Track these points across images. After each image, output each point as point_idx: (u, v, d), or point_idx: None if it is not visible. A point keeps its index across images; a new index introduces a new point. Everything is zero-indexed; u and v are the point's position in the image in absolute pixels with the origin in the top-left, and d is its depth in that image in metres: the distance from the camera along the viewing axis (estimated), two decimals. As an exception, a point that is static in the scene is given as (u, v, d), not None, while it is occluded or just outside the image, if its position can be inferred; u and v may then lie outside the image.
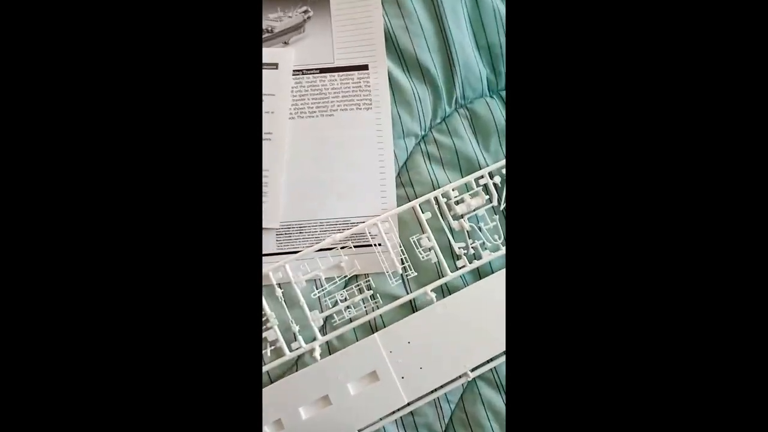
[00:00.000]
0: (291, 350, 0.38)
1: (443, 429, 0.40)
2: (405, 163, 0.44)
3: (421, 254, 0.40)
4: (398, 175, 0.43)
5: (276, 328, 0.38)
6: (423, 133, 0.44)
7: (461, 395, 0.40)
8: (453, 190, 0.42)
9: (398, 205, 0.42)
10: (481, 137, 0.45)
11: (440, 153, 0.44)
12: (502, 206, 0.43)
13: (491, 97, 0.46)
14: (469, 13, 0.45)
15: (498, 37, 0.46)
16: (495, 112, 0.45)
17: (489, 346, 0.38)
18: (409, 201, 0.42)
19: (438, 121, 0.45)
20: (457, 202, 0.42)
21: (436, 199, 0.42)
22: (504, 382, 0.40)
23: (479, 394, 0.40)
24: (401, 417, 0.39)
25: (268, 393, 0.37)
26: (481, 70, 0.45)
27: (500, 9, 0.46)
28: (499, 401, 0.40)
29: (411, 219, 0.42)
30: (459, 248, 0.41)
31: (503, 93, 0.46)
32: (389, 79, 0.44)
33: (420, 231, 0.41)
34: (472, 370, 0.38)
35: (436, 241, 0.40)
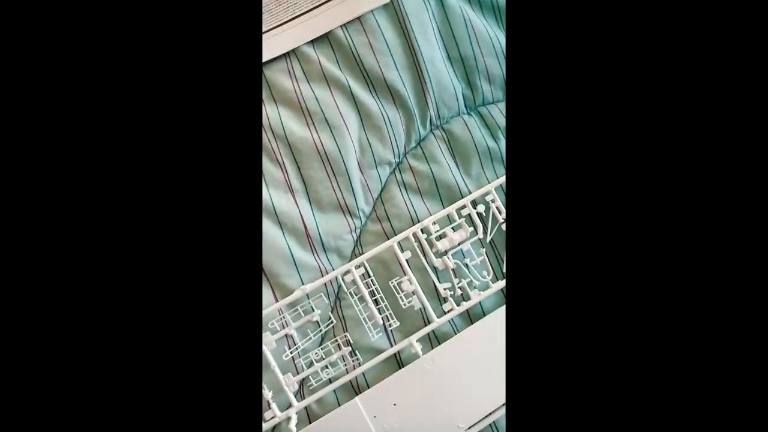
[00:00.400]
0: (265, 420, 0.34)
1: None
2: (380, 195, 0.40)
3: (402, 300, 0.36)
4: (373, 209, 0.39)
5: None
6: (397, 160, 0.40)
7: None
8: (433, 224, 0.38)
9: (374, 244, 0.38)
10: (460, 161, 0.41)
11: (417, 182, 0.40)
12: (489, 238, 0.39)
13: (469, 114, 0.42)
14: (438, 25, 0.42)
15: (471, 48, 0.42)
16: (474, 131, 0.41)
17: (486, 400, 0.34)
18: (387, 238, 0.38)
19: (413, 145, 0.41)
20: (438, 238, 0.38)
21: (415, 235, 0.38)
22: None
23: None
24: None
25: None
26: (456, 85, 0.42)
27: (471, 18, 0.42)
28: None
29: (390, 259, 0.38)
30: (444, 289, 0.37)
31: (482, 109, 0.43)
32: (355, 102, 0.39)
33: (401, 273, 0.37)
34: (468, 429, 0.34)
35: (418, 284, 0.36)
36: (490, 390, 0.34)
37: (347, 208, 0.38)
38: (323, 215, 0.37)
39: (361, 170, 0.39)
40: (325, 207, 0.38)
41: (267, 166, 0.38)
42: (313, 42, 0.40)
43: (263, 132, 0.38)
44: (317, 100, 0.39)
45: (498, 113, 0.43)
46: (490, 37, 0.42)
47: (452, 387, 0.34)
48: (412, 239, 0.37)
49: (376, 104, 0.40)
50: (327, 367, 0.35)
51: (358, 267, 0.36)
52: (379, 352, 0.36)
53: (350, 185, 0.38)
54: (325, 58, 0.40)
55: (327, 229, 0.37)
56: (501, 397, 0.34)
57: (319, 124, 0.39)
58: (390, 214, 0.39)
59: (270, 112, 0.39)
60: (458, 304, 0.37)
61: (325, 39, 0.40)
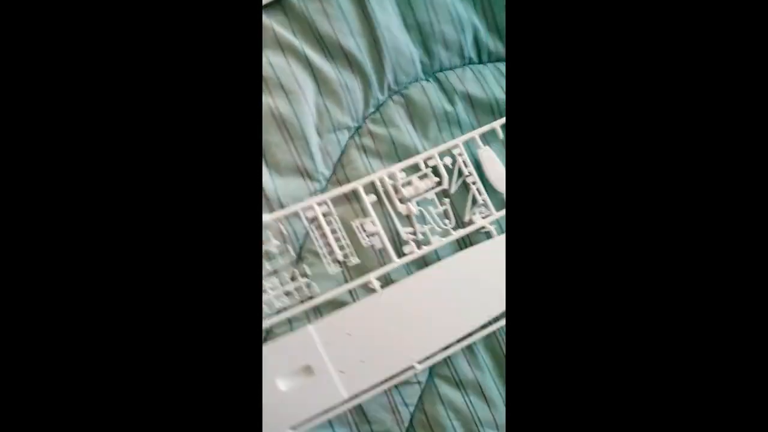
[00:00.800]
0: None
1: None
2: (339, 158, 0.41)
3: (364, 239, 0.38)
4: (333, 173, 0.40)
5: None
6: (356, 125, 0.41)
7: (420, 396, 0.38)
8: (400, 171, 0.39)
9: (335, 207, 0.39)
10: (419, 124, 0.42)
11: (376, 145, 0.41)
12: (453, 189, 0.41)
13: (427, 80, 0.43)
14: (393, -9, 0.42)
15: (428, 14, 0.43)
16: (431, 96, 0.42)
17: (437, 337, 0.36)
18: (348, 200, 0.39)
19: (371, 110, 0.42)
20: (404, 185, 0.39)
21: (381, 181, 0.39)
22: (461, 379, 0.39)
23: (438, 394, 0.38)
24: (357, 426, 0.37)
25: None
26: (413, 51, 0.42)
27: (427, -18, 0.43)
28: (459, 399, 0.39)
29: (354, 206, 0.39)
30: (406, 233, 0.39)
31: (439, 75, 0.44)
32: (311, 68, 0.40)
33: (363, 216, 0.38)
34: (421, 362, 0.36)
35: (381, 227, 0.38)
36: (440, 328, 0.36)
37: (306, 171, 0.39)
38: (281, 179, 0.38)
39: (319, 134, 0.40)
40: (282, 171, 0.39)
41: (226, 132, 0.39)
42: (266, 7, 0.40)
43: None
44: (272, 66, 0.39)
45: (455, 78, 0.44)
46: (447, 3, 0.43)
47: (404, 323, 0.36)
48: (378, 184, 0.39)
49: (332, 70, 0.40)
50: (281, 296, 0.36)
51: (320, 204, 0.37)
52: (335, 286, 0.37)
53: (308, 149, 0.39)
54: (279, 25, 0.40)
55: (286, 192, 0.38)
56: (450, 335, 0.36)
57: (274, 89, 0.39)
58: (350, 176, 0.40)
59: (227, 79, 0.39)
60: (418, 248, 0.38)
61: (277, 5, 0.40)
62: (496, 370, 0.40)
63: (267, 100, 0.39)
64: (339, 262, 0.37)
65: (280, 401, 0.34)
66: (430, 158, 0.40)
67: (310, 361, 0.34)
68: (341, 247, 0.37)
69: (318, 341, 0.35)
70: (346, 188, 0.38)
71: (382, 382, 0.36)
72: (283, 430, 0.34)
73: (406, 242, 0.39)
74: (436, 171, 0.40)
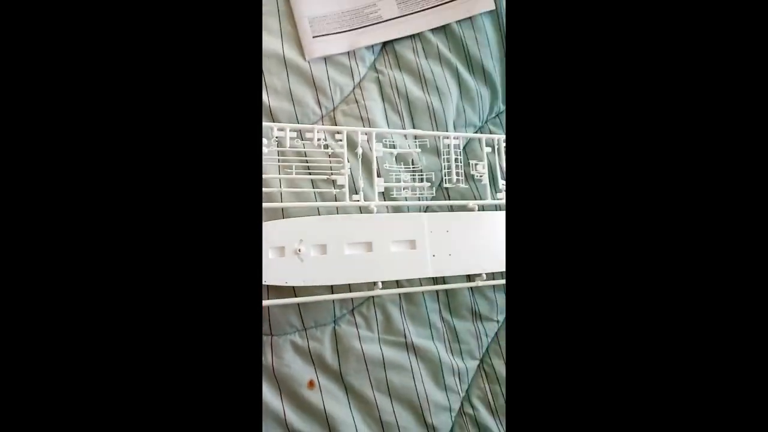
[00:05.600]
0: (351, 200, 0.46)
1: (480, 356, 0.51)
2: (464, 147, 0.54)
3: (476, 173, 0.51)
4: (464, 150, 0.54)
5: (347, 175, 0.46)
6: (480, 124, 0.55)
7: (496, 332, 0.51)
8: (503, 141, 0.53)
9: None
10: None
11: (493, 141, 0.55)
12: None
13: (536, 100, 0.57)
14: (525, 31, 0.56)
15: (546, 52, 0.56)
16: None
17: (502, 262, 0.47)
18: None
19: (492, 115, 0.56)
20: None
21: (500, 141, 0.52)
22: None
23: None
24: (449, 345, 0.50)
25: (325, 222, 0.44)
26: (530, 77, 0.56)
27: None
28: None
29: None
30: (502, 184, 0.52)
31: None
32: (458, 78, 0.54)
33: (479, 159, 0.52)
34: (486, 276, 0.48)
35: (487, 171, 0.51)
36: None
37: (439, 151, 0.53)
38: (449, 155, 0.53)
39: (455, 127, 0.54)
40: (428, 151, 0.53)
41: (390, 115, 0.53)
42: (433, 30, 0.54)
43: (390, 88, 0.53)
44: (432, 73, 0.54)
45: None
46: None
47: (486, 241, 0.48)
48: (491, 143, 0.52)
49: (473, 82, 0.54)
50: (407, 189, 0.48)
51: (455, 138, 0.51)
52: (449, 199, 0.51)
53: (460, 152, 0.53)
54: (441, 44, 0.54)
55: (427, 164, 0.52)
56: None
57: (431, 89, 0.53)
58: (469, 154, 0.54)
59: (397, 76, 0.53)
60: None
61: (442, 29, 0.55)
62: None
63: (425, 96, 0.53)
64: (453, 183, 0.50)
65: (388, 259, 0.44)
66: None
67: (416, 238, 0.45)
68: (458, 174, 0.50)
69: (426, 226, 0.46)
70: (474, 135, 0.53)
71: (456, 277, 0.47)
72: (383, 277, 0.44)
73: (500, 190, 0.52)
74: None
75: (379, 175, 0.49)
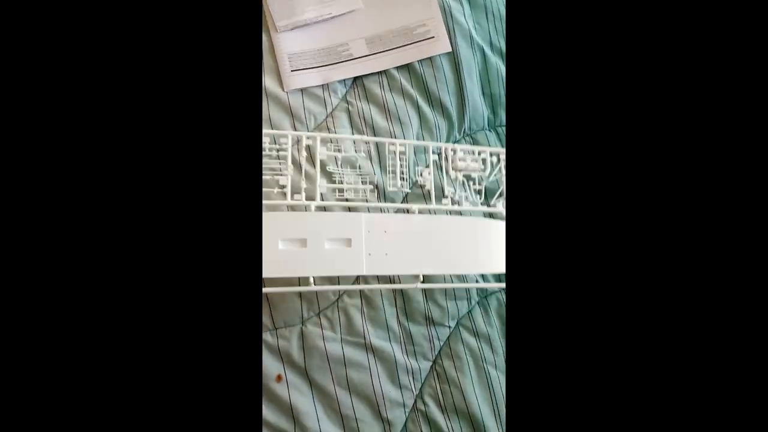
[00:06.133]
0: (293, 198, 0.48)
1: (433, 358, 0.57)
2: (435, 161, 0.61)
3: (420, 179, 0.55)
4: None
5: (289, 177, 0.48)
6: (438, 151, 0.62)
7: (448, 336, 0.57)
8: (461, 150, 0.56)
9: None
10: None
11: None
12: (492, 177, 0.58)
13: (489, 131, 0.64)
14: (479, 71, 0.64)
15: (498, 88, 0.64)
16: (491, 140, 0.63)
17: (440, 263, 0.48)
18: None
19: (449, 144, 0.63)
20: (460, 159, 0.56)
21: (446, 149, 0.56)
22: (477, 330, 0.58)
23: (461, 337, 0.57)
24: (405, 347, 0.56)
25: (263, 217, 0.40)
26: (484, 111, 0.63)
27: (501, 69, 0.64)
28: (474, 343, 0.57)
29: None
30: (448, 190, 0.55)
31: (499, 129, 0.64)
32: (418, 110, 0.61)
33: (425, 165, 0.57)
34: (423, 279, 0.50)
35: (434, 177, 0.55)
36: (446, 258, 0.49)
37: (406, 175, 0.60)
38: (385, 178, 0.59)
39: (414, 152, 0.61)
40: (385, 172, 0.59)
41: (358, 142, 0.60)
42: (398, 67, 0.62)
43: (358, 118, 0.60)
44: (395, 105, 0.61)
45: (508, 133, 0.64)
46: (512, 83, 0.64)
47: (424, 243, 0.48)
48: (446, 151, 0.56)
49: (431, 114, 0.62)
50: (350, 191, 0.52)
51: (401, 145, 0.57)
52: (392, 201, 0.56)
53: (407, 159, 0.60)
54: (404, 79, 0.62)
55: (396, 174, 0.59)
56: (450, 268, 0.52)
57: (393, 120, 0.61)
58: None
59: (364, 107, 0.61)
60: (451, 204, 0.55)
61: (406, 67, 0.62)
62: (501, 328, 0.58)
63: (388, 126, 0.60)
64: (397, 187, 0.54)
65: (323, 254, 0.45)
66: (483, 151, 0.57)
67: (353, 236, 0.46)
68: (402, 179, 0.54)
69: (364, 226, 0.47)
70: (422, 143, 0.58)
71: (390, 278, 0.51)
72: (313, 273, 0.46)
73: (445, 196, 0.55)
74: (485, 162, 0.58)
75: (331, 179, 0.53)
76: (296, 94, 0.60)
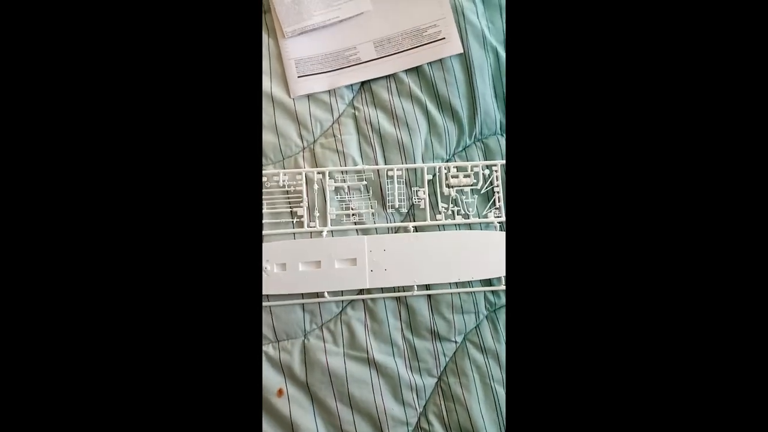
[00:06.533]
0: (308, 227, 0.56)
1: (438, 374, 0.54)
2: (435, 174, 0.59)
3: (416, 199, 0.57)
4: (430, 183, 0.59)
5: (305, 207, 0.55)
6: (447, 157, 0.59)
7: (454, 351, 0.55)
8: (453, 167, 0.58)
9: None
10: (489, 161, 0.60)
11: (458, 170, 0.59)
12: (483, 191, 0.58)
13: (502, 135, 0.61)
14: (492, 72, 0.60)
15: (513, 91, 0.61)
16: (503, 146, 0.60)
17: (435, 274, 0.55)
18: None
19: (459, 149, 0.60)
20: (453, 176, 0.58)
21: (440, 168, 0.57)
22: (485, 346, 0.55)
23: (467, 352, 0.55)
24: (409, 362, 0.54)
25: (285, 245, 0.54)
26: (497, 115, 0.60)
27: (517, 70, 0.61)
28: (480, 359, 0.54)
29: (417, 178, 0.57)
30: (442, 207, 0.57)
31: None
32: (427, 115, 0.59)
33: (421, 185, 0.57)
34: (419, 287, 0.55)
35: (428, 195, 0.57)
36: (441, 269, 0.54)
37: (414, 181, 0.58)
38: (392, 185, 0.57)
39: (423, 160, 0.58)
40: (395, 179, 0.57)
41: (364, 148, 0.58)
42: (406, 70, 0.60)
43: (365, 123, 0.58)
44: (403, 110, 0.58)
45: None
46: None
47: (419, 257, 0.55)
48: (439, 170, 0.58)
49: (441, 119, 0.59)
50: (356, 215, 0.56)
51: (390, 170, 0.57)
52: (390, 222, 0.56)
53: (403, 181, 0.58)
54: (413, 83, 0.59)
55: (394, 196, 0.57)
56: (445, 277, 0.55)
57: (401, 125, 0.58)
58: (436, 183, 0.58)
59: (371, 113, 0.59)
60: (445, 219, 0.57)
61: (415, 70, 0.60)
62: (513, 346, 0.55)
63: (395, 132, 0.58)
64: (395, 207, 0.57)
65: (333, 272, 0.54)
66: (476, 166, 0.58)
67: (357, 256, 0.55)
68: (400, 200, 0.57)
69: (366, 246, 0.55)
70: (414, 166, 0.58)
71: (392, 289, 0.55)
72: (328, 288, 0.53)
73: (440, 212, 0.57)
74: (477, 176, 0.58)
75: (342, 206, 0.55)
76: (303, 100, 0.59)
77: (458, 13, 0.61)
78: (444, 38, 0.60)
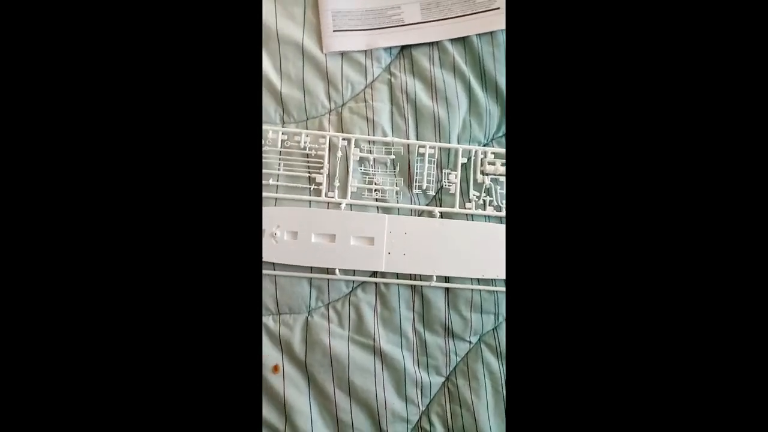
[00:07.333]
0: (326, 196, 0.51)
1: (446, 374, 0.50)
2: (470, 156, 0.54)
3: (445, 182, 0.52)
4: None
5: (325, 174, 0.51)
6: (485, 141, 0.54)
7: (467, 352, 0.51)
8: (491, 153, 0.53)
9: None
10: (531, 155, 0.54)
11: (494, 156, 0.54)
12: None
13: (548, 125, 0.56)
14: (547, 53, 0.55)
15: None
16: (548, 138, 0.55)
17: (456, 266, 0.50)
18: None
19: (499, 134, 0.55)
20: (489, 163, 0.53)
21: (476, 152, 0.53)
22: (501, 350, 0.51)
23: (481, 355, 0.51)
24: (417, 357, 0.50)
25: (299, 212, 0.50)
26: (545, 101, 0.55)
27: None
28: (495, 363, 0.50)
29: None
30: (473, 195, 0.53)
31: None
32: (470, 91, 0.53)
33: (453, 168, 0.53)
34: (438, 279, 0.50)
35: (460, 180, 0.52)
36: (463, 263, 0.50)
37: (446, 162, 0.53)
38: (422, 163, 0.52)
39: (458, 140, 0.53)
40: (425, 158, 0.52)
41: (396, 119, 0.53)
42: (453, 40, 0.54)
43: (400, 92, 0.53)
44: (444, 82, 0.53)
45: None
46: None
47: (442, 246, 0.50)
48: (476, 154, 0.53)
49: (483, 97, 0.54)
50: (378, 191, 0.52)
51: (431, 147, 0.52)
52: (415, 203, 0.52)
53: (435, 161, 0.53)
54: (458, 55, 0.54)
55: (422, 175, 0.52)
56: (466, 271, 0.50)
57: (440, 99, 0.53)
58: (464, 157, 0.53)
59: (408, 81, 0.53)
60: (475, 209, 0.52)
61: (461, 40, 0.54)
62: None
63: (433, 105, 0.53)
64: (422, 188, 0.52)
65: (348, 250, 0.49)
66: None
67: (375, 235, 0.50)
68: (429, 181, 0.52)
69: (386, 226, 0.50)
70: (450, 145, 0.53)
71: (408, 276, 0.50)
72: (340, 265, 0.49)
73: (470, 200, 0.52)
74: None
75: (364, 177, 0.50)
76: (335, 58, 0.53)
77: (518, -17, 0.55)
78: (498, 8, 0.54)
